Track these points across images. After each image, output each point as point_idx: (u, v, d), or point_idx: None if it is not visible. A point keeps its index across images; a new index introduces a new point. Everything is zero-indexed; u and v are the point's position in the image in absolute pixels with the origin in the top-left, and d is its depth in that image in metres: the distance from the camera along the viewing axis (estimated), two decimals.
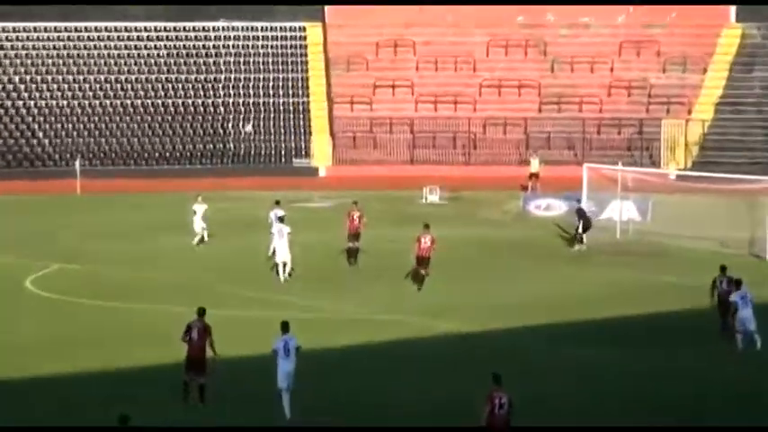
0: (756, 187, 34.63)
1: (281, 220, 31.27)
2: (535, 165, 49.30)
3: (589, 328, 25.17)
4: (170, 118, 58.43)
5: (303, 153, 57.29)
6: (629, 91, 58.24)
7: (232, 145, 57.45)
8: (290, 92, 59.82)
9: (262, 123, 58.43)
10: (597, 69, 59.30)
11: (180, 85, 59.61)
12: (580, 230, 35.28)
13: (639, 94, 58.11)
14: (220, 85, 59.78)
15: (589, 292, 28.82)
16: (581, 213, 35.85)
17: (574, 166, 47.53)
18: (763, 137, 53.73)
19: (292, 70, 60.60)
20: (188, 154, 56.94)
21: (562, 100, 58.24)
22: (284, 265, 29.89)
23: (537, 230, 38.84)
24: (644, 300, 27.96)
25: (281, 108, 59.21)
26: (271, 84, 60.06)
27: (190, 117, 58.50)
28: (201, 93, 59.61)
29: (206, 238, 35.63)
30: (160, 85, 59.58)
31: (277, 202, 34.72)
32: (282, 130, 58.19)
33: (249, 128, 37.06)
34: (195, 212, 35.87)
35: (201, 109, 59.01)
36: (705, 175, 39.18)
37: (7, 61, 59.31)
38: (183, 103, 59.05)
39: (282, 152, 57.28)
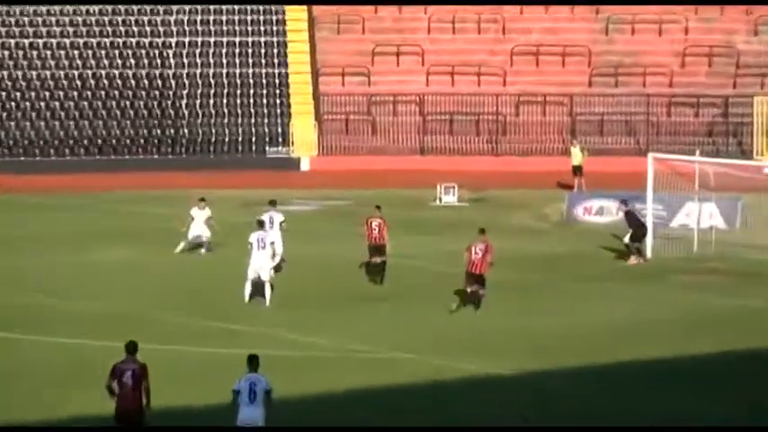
0: None
1: (260, 224, 31.39)
2: (577, 155, 49.38)
3: (654, 369, 24.99)
4: (102, 94, 58.42)
5: (279, 141, 57.39)
6: (709, 59, 58.54)
7: (186, 130, 57.55)
8: (263, 61, 59.93)
9: (225, 101, 58.47)
10: (667, 31, 59.51)
11: (116, 52, 59.70)
12: (627, 240, 35.41)
13: (724, 63, 58.33)
14: (170, 52, 59.78)
15: (655, 323, 28.73)
16: (631, 218, 36.06)
17: (635, 158, 47.66)
18: None
19: (265, 32, 60.64)
20: (126, 142, 57.08)
21: (620, 71, 58.54)
22: (264, 284, 30.09)
23: (586, 241, 38.84)
24: (728, 333, 27.77)
25: (251, 82, 59.42)
26: (237, 50, 60.10)
27: (129, 93, 58.60)
28: (145, 62, 59.63)
29: (202, 251, 36.21)
30: (90, 53, 59.59)
31: (272, 203, 34.83)
32: (253, 111, 58.34)
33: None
34: (193, 219, 36.24)
35: (145, 83, 59.11)
36: None
37: None
38: (120, 74, 59.12)
39: (253, 140, 57.45)
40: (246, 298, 30.22)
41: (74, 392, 23.13)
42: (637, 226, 35.80)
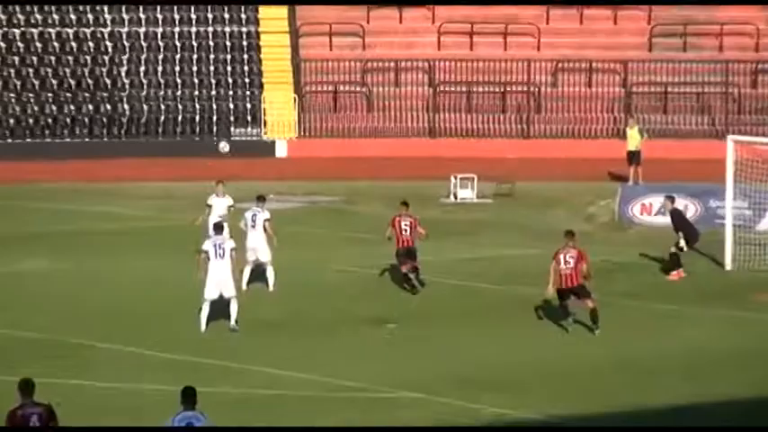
0: None
1: (217, 228, 31.55)
2: (634, 138, 49.70)
3: (712, 414, 25.21)
4: (16, 60, 58.53)
5: (248, 120, 57.62)
6: None
7: (126, 106, 57.72)
8: (226, 16, 60.14)
9: (178, 69, 58.83)
10: None
11: (35, 7, 59.85)
12: (682, 243, 35.82)
13: None
14: (104, 7, 59.96)
15: (730, 356, 28.81)
16: (676, 217, 36.55)
17: (710, 141, 47.80)
18: None
19: None
20: (48, 121, 57.16)
21: (690, 30, 58.80)
22: (229, 302, 30.39)
23: (644, 249, 38.86)
24: None
25: (212, 44, 59.56)
26: (193, 5, 60.28)
27: (51, 59, 58.72)
28: (72, 18, 59.83)
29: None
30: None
31: (260, 199, 35.36)
32: (213, 82, 58.54)
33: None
34: (211, 208, 36.54)
35: (73, 45, 59.28)
36: None
37: None
38: (40, 34, 59.30)
39: (214, 118, 57.66)
40: (203, 326, 30.27)
41: None
42: (684, 226, 36.14)
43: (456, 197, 47.76)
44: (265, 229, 33.94)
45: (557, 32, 59.55)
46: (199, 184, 48.08)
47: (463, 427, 24.21)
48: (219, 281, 30.20)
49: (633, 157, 49.17)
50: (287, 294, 33.60)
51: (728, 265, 36.79)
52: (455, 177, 48.15)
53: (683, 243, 35.92)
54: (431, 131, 57.45)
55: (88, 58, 58.90)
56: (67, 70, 58.51)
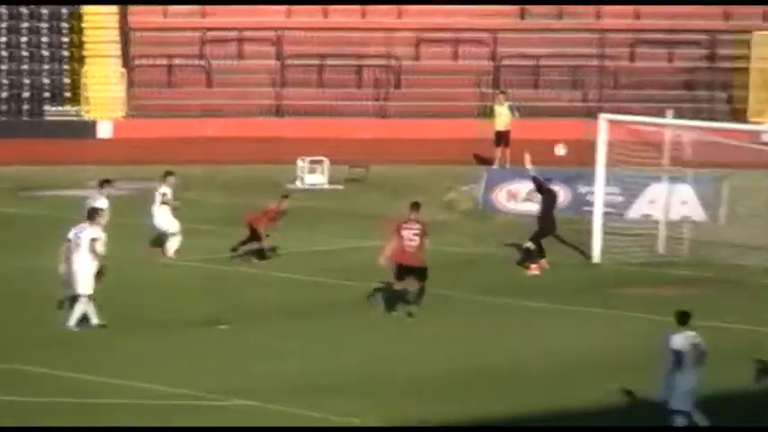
0: None
1: (90, 215, 31.64)
2: (503, 116, 50.00)
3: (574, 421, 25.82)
4: None
5: (62, 96, 57.39)
6: None
7: None
8: None
9: None
10: None
11: None
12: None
13: None
14: None
15: (593, 358, 29.22)
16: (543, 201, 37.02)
17: (583, 120, 48.31)
18: None
19: None
20: None
21: None
22: (75, 300, 30.55)
23: (509, 240, 39.43)
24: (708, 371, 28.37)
25: (25, 11, 59.10)
26: None
27: None
28: None
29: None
30: None
31: (102, 184, 36.23)
32: (25, 54, 58.24)
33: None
34: (164, 196, 37.24)
35: None
36: None
37: None
38: None
39: (23, 95, 57.29)
40: (74, 321, 30.51)
41: None
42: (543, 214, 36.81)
43: (304, 182, 47.99)
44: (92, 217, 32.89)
45: None
46: (7, 170, 48.16)
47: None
48: (73, 273, 30.51)
49: (501, 137, 49.45)
50: (111, 291, 32.91)
51: (596, 258, 37.41)
52: (303, 161, 48.40)
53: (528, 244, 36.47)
54: (277, 109, 57.60)
55: None
56: None
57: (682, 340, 23.66)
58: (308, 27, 58.75)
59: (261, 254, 37.20)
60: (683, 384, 23.65)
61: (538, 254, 36.46)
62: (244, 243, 36.95)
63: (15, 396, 26.26)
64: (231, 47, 58.87)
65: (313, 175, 48.08)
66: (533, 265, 36.42)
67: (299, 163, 48.33)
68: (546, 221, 36.74)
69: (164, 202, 37.47)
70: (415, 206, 31.93)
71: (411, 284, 31.32)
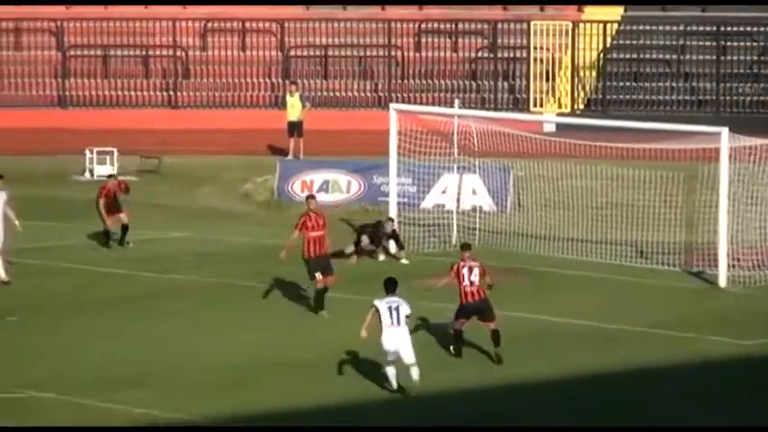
0: (697, 147, 35.97)
1: None
2: (295, 107, 50.18)
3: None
4: None
5: None
6: None
7: None
8: None
9: None
10: None
11: None
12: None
13: None
14: None
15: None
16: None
17: (372, 111, 48.61)
18: (708, 54, 55.77)
19: None
20: None
21: None
22: None
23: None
24: (479, 364, 28.38)
25: None
26: None
27: None
28: None
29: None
30: None
31: None
32: None
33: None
34: None
35: None
36: (607, 125, 40.39)
37: None
38: None
39: None
40: None
41: None
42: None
43: (93, 174, 47.65)
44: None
45: None
46: None
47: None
48: None
49: (294, 128, 49.53)
50: None
51: (392, 248, 37.39)
52: (91, 151, 48.07)
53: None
54: (60, 100, 57.05)
55: None
56: None
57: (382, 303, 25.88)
58: (89, 17, 58.06)
59: None
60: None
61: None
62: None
63: None
64: (9, 37, 58.00)
65: (102, 167, 47.57)
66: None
67: (87, 154, 47.87)
68: None
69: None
70: (467, 247, 29.44)
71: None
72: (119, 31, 58.16)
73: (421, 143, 40.03)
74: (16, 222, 34.24)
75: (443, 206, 40.82)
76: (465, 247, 29.63)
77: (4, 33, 58.18)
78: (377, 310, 26.12)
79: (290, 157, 48.72)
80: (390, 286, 26.34)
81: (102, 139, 48.85)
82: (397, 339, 25.87)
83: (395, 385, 26.06)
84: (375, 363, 26.71)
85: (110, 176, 39.35)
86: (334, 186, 44.37)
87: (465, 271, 28.59)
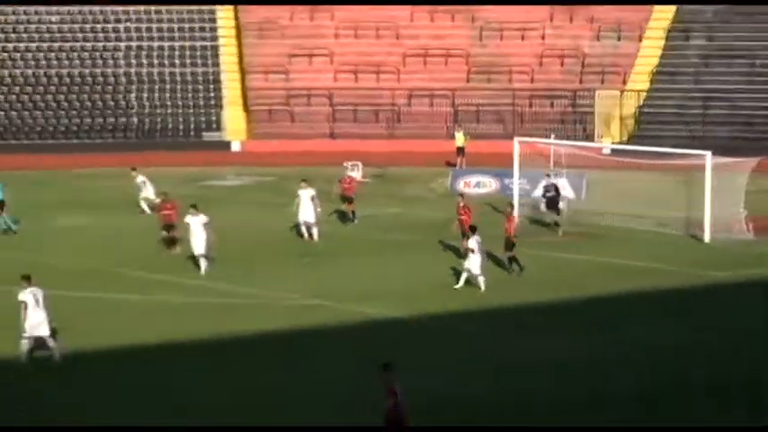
0: (693, 163, 35.40)
1: (194, 207, 30.27)
2: (460, 139, 49.84)
3: (529, 312, 25.64)
4: (65, 89, 57.76)
5: (214, 127, 57.12)
6: (561, 60, 59.00)
7: (136, 119, 57.06)
8: (199, 61, 59.59)
9: (168, 95, 58.10)
10: (528, 37, 59.95)
11: (75, 54, 58.97)
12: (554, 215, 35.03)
13: (573, 63, 58.91)
14: (121, 54, 59.26)
15: (525, 275, 29.15)
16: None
17: (503, 141, 48.05)
18: (700, 110, 55.01)
19: (202, 38, 60.27)
20: (86, 128, 56.36)
21: (492, 70, 58.76)
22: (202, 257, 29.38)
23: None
24: (582, 282, 28.46)
25: (189, 78, 58.97)
26: (177, 52, 59.67)
27: (87, 88, 57.97)
28: (100, 62, 59.00)
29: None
30: (53, 54, 58.77)
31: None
32: (191, 103, 57.96)
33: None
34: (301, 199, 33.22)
35: (101, 79, 58.48)
36: (640, 149, 39.89)
37: None
38: (79, 73, 58.45)
39: (191, 126, 57.06)
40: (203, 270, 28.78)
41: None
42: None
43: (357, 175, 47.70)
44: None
45: (410, 72, 58.63)
46: (183, 169, 47.85)
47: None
48: (196, 245, 28.70)
49: (459, 151, 49.08)
50: (239, 239, 32.66)
51: (517, 219, 36.35)
52: (348, 164, 48.02)
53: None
54: (332, 135, 56.79)
55: (111, 88, 57.97)
56: (97, 96, 57.54)
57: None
58: (347, 88, 57.80)
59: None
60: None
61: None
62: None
63: (201, 299, 26.00)
64: (304, 99, 58.05)
65: (353, 173, 45.68)
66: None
67: (345, 165, 47.41)
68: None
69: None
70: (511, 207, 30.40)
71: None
72: (362, 95, 57.59)
73: (532, 160, 39.41)
74: (318, 210, 32.99)
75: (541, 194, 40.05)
76: (510, 206, 30.55)
77: (301, 97, 57.58)
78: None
79: (457, 167, 48.21)
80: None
81: (353, 157, 48.43)
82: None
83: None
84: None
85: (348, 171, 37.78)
86: (482, 185, 43.77)
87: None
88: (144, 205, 37.23)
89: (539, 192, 38.58)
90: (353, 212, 35.27)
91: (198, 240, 28.85)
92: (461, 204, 32.10)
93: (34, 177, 46.71)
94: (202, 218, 29.01)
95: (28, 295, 21.48)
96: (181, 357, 22.25)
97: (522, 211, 37.07)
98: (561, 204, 35.58)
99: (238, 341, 23.24)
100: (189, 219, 29.23)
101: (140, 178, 37.61)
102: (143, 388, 20.46)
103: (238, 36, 60.38)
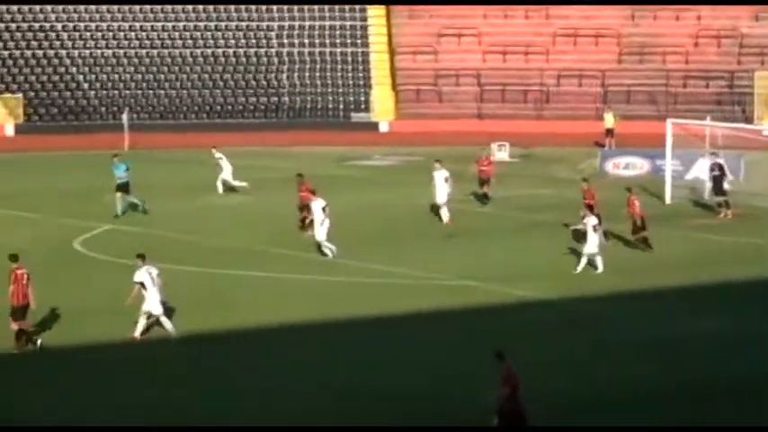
0: None
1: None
2: (609, 120, 48.99)
3: (677, 295, 25.00)
4: (220, 69, 58.80)
5: (362, 107, 57.38)
6: (718, 41, 57.25)
7: (287, 98, 57.71)
8: (348, 41, 59.92)
9: (318, 75, 58.57)
10: (683, 18, 58.28)
11: (230, 34, 59.91)
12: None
13: (730, 44, 57.08)
14: (273, 34, 60.01)
15: (676, 257, 28.50)
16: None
17: (655, 122, 46.96)
18: None
19: (350, 18, 60.61)
20: (240, 107, 57.33)
21: (644, 51, 57.43)
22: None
23: (614, 191, 38.21)
24: (734, 265, 27.64)
25: (339, 58, 59.31)
26: (327, 32, 60.15)
27: (241, 68, 58.81)
28: (254, 42, 59.86)
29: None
30: (210, 34, 59.97)
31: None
32: (340, 83, 58.26)
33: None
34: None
35: (254, 59, 59.26)
36: None
37: (49, 7, 59.89)
38: (234, 53, 59.39)
39: (340, 106, 57.39)
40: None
41: (213, 313, 23.33)
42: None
43: (495, 157, 46.68)
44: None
45: (559, 52, 57.67)
46: (332, 148, 48.23)
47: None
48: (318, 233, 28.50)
49: (608, 132, 48.37)
50: (387, 219, 32.77)
51: (668, 200, 36.06)
52: (494, 144, 47.24)
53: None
54: (479, 115, 56.21)
55: (264, 68, 58.58)
56: (250, 76, 58.36)
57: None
58: (495, 68, 57.33)
59: None
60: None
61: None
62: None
63: (338, 278, 26.04)
64: (452, 80, 57.95)
65: (500, 153, 46.06)
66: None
67: (492, 146, 46.87)
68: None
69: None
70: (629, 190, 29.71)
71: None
72: (510, 75, 57.07)
73: (685, 142, 38.24)
74: (449, 191, 32.61)
75: (699, 177, 38.59)
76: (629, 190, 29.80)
77: (449, 77, 57.27)
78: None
79: (606, 148, 47.31)
80: None
81: (504, 137, 48.04)
82: None
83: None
84: None
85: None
86: (632, 166, 42.80)
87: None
88: (220, 185, 36.73)
89: (697, 172, 37.50)
90: (486, 195, 34.77)
91: (318, 225, 28.47)
92: (585, 188, 31.53)
93: (185, 156, 47.44)
94: (321, 202, 28.73)
95: (144, 274, 21.54)
96: (336, 334, 22.27)
97: (678, 194, 36.03)
98: (725, 184, 34.37)
99: (390, 319, 23.29)
100: (313, 203, 29.02)
101: (218, 154, 37.18)
102: (305, 363, 20.41)
103: (388, 16, 60.45)
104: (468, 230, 31.93)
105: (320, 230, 28.24)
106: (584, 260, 26.57)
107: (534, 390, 17.11)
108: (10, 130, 54.49)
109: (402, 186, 39.45)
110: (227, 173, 37.13)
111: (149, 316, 21.57)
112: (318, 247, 28.63)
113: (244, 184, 36.97)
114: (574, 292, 25.20)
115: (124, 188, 33.45)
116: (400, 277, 26.51)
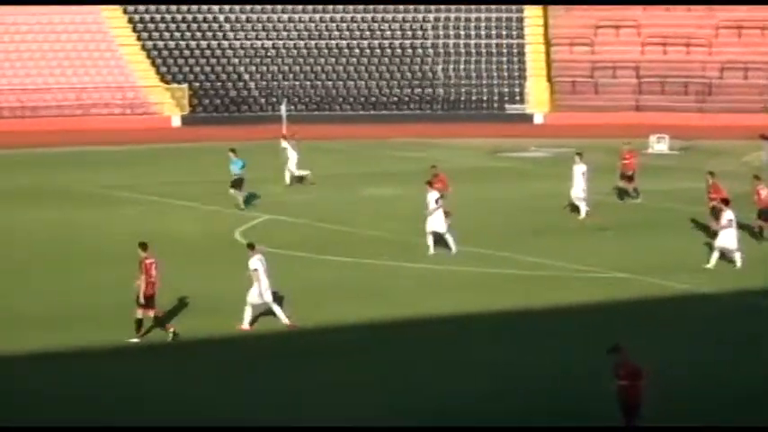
0: None
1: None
2: None
3: None
4: (376, 60, 59.19)
5: (517, 99, 57.02)
6: None
7: (442, 90, 57.70)
8: (504, 33, 59.47)
9: (473, 66, 58.39)
10: None
11: (387, 26, 60.25)
12: None
13: None
14: (429, 25, 60.03)
15: None
16: None
17: None
18: None
19: (506, 9, 60.12)
20: (395, 99, 57.61)
21: None
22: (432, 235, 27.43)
23: None
24: None
25: (494, 50, 59.04)
26: (483, 24, 59.83)
27: (397, 59, 59.11)
28: (409, 33, 60.02)
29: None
30: (366, 26, 60.38)
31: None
32: (495, 74, 58.05)
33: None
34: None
35: (410, 51, 59.47)
36: None
37: None
38: (389, 44, 59.71)
39: (495, 98, 57.16)
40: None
41: (360, 303, 23.39)
42: None
43: (654, 149, 45.80)
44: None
45: (723, 44, 56.35)
46: (486, 140, 47.89)
47: None
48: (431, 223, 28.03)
49: None
50: (542, 211, 32.32)
51: None
52: (653, 136, 46.32)
53: None
54: (637, 107, 55.41)
55: (419, 59, 58.83)
56: (405, 68, 58.66)
57: None
58: (654, 60, 56.68)
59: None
60: None
61: None
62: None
63: (502, 270, 25.85)
64: (609, 72, 57.37)
65: (658, 145, 45.37)
66: None
67: (650, 138, 45.89)
68: None
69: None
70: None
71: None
72: (670, 68, 55.72)
73: None
74: (584, 186, 31.48)
75: None
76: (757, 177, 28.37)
77: (606, 69, 56.47)
78: None
79: None
80: None
81: (663, 130, 46.78)
82: None
83: None
84: None
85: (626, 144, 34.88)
86: None
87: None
88: (287, 175, 35.92)
89: None
90: (635, 189, 33.83)
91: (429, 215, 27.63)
92: (710, 182, 30.34)
93: (340, 147, 47.71)
94: (434, 194, 27.98)
95: (257, 262, 21.34)
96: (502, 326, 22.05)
97: None
98: None
99: (559, 310, 22.96)
100: (429, 194, 28.12)
101: (283, 144, 36.52)
102: (467, 363, 20.16)
103: (544, 8, 59.73)
104: (622, 223, 31.25)
105: (430, 221, 27.56)
106: (715, 255, 25.57)
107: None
108: (177, 121, 55.91)
109: (555, 180, 38.57)
110: (292, 163, 36.52)
111: (260, 304, 21.32)
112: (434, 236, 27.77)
113: (307, 172, 36.30)
114: (731, 285, 24.26)
115: (238, 184, 33.19)
116: (557, 270, 26.12)
